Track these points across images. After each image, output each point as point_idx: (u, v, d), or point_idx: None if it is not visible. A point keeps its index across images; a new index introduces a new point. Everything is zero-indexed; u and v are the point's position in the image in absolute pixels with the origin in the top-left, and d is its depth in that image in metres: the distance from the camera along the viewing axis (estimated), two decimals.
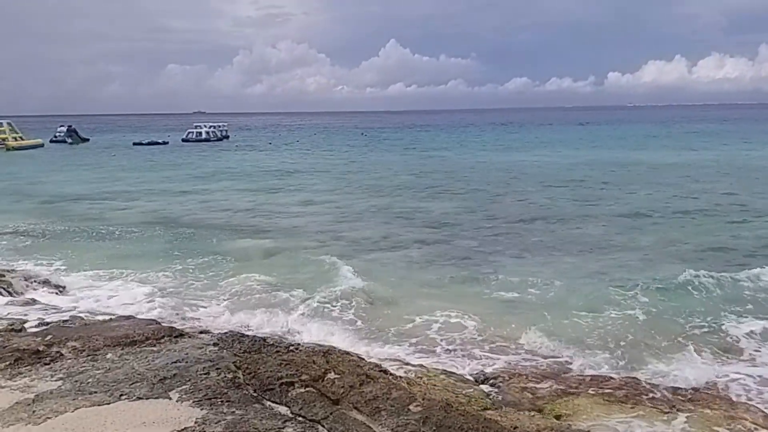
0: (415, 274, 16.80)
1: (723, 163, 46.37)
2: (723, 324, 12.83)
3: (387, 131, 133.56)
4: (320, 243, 21.00)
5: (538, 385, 9.34)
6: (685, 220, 24.22)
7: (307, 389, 7.12)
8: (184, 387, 6.93)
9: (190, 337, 8.92)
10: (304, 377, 7.36)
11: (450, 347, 11.71)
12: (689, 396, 9.46)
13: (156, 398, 6.71)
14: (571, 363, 10.92)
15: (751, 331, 12.38)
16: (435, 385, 8.61)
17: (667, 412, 8.55)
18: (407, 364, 10.00)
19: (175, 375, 7.26)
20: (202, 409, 6.41)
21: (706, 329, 12.60)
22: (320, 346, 9.45)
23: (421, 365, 9.96)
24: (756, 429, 8.28)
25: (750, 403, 9.30)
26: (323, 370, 7.68)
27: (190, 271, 17.27)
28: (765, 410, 9.02)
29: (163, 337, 8.83)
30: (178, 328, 9.50)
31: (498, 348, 11.65)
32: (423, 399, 7.17)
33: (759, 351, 11.51)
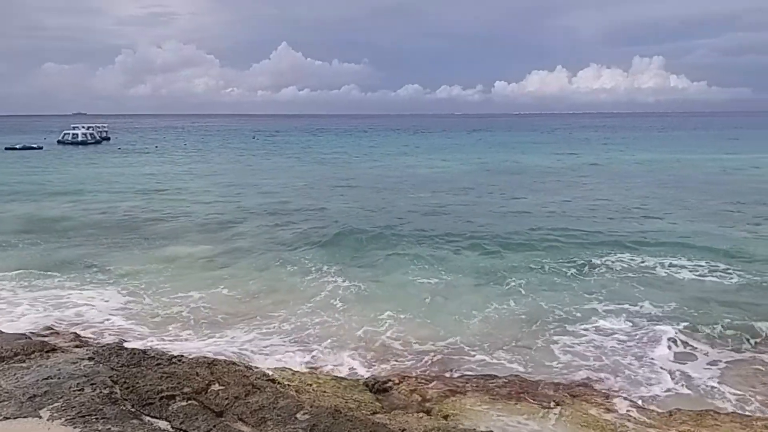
0: (306, 276, 16.69)
1: (600, 167, 49.24)
2: (598, 316, 13.66)
3: (280, 134, 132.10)
4: (206, 245, 20.46)
5: (426, 387, 9.47)
6: (563, 218, 25.50)
7: (189, 402, 6.88)
8: (55, 405, 6.50)
9: (63, 351, 8.39)
10: (186, 390, 7.11)
11: (342, 352, 11.68)
12: (569, 390, 9.91)
13: (25, 417, 6.27)
14: (458, 363, 11.19)
15: (621, 321, 13.28)
16: (325, 392, 8.54)
17: (548, 407, 8.88)
18: (297, 371, 9.86)
19: (46, 392, 6.80)
20: (75, 428, 6.04)
21: (581, 323, 13.34)
22: (205, 357, 9.15)
23: (311, 372, 9.88)
24: (628, 419, 8.75)
25: (622, 395, 9.87)
26: (207, 381, 7.45)
27: (61, 278, 16.32)
28: (635, 401, 9.62)
29: (33, 352, 8.26)
30: (50, 342, 8.92)
31: (389, 351, 11.75)
32: (311, 406, 7.10)
33: (628, 341, 12.27)
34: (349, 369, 10.84)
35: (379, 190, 35.79)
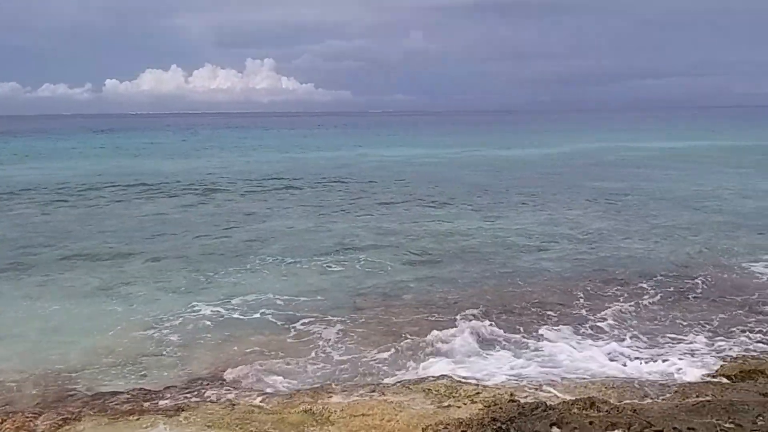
0: None
1: (223, 169, 50.00)
2: (233, 310, 14.16)
3: None
4: None
5: (37, 421, 8.68)
6: (192, 224, 25.43)
7: None
8: None
9: None
10: None
11: None
12: (194, 393, 10.09)
13: None
14: (76, 387, 10.47)
15: (246, 312, 13.93)
16: None
17: (172, 415, 8.89)
18: None
19: None
20: None
21: (214, 319, 13.69)
22: None
23: None
24: (252, 410, 9.18)
25: (251, 388, 10.31)
26: None
27: None
28: (263, 391, 10.13)
29: None
30: None
31: None
32: None
33: (257, 332, 12.90)
34: None
35: None
